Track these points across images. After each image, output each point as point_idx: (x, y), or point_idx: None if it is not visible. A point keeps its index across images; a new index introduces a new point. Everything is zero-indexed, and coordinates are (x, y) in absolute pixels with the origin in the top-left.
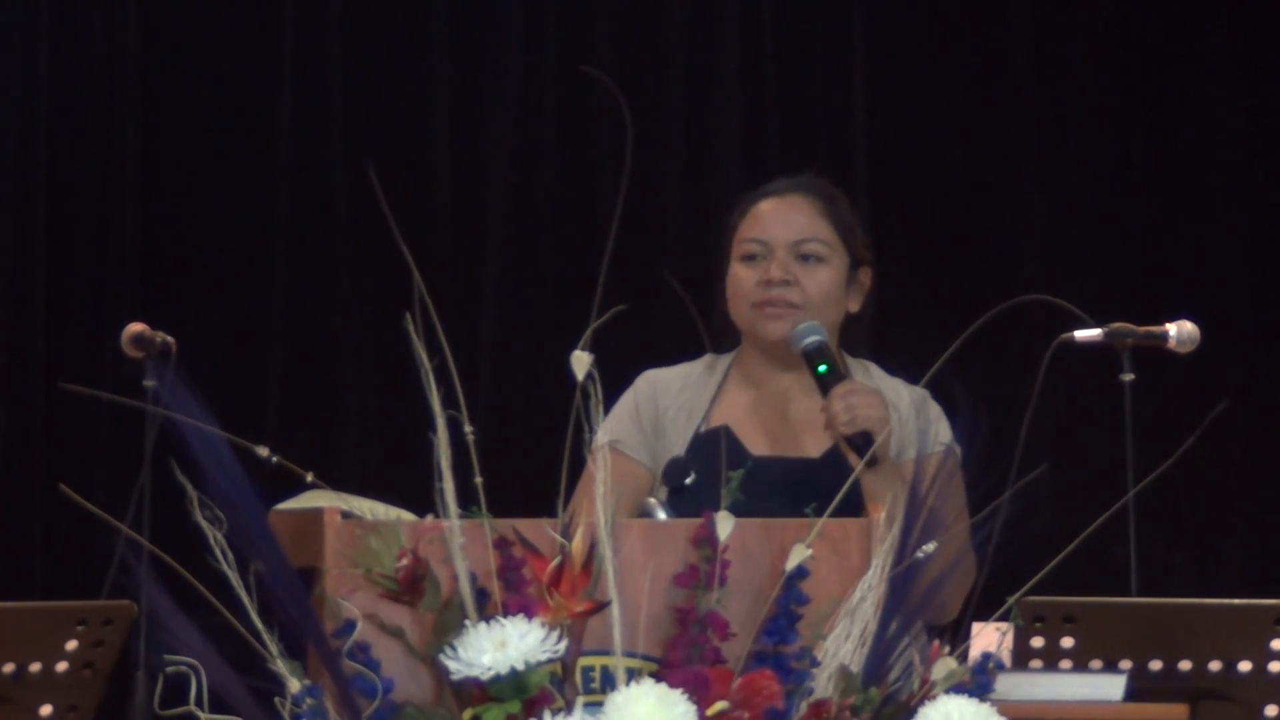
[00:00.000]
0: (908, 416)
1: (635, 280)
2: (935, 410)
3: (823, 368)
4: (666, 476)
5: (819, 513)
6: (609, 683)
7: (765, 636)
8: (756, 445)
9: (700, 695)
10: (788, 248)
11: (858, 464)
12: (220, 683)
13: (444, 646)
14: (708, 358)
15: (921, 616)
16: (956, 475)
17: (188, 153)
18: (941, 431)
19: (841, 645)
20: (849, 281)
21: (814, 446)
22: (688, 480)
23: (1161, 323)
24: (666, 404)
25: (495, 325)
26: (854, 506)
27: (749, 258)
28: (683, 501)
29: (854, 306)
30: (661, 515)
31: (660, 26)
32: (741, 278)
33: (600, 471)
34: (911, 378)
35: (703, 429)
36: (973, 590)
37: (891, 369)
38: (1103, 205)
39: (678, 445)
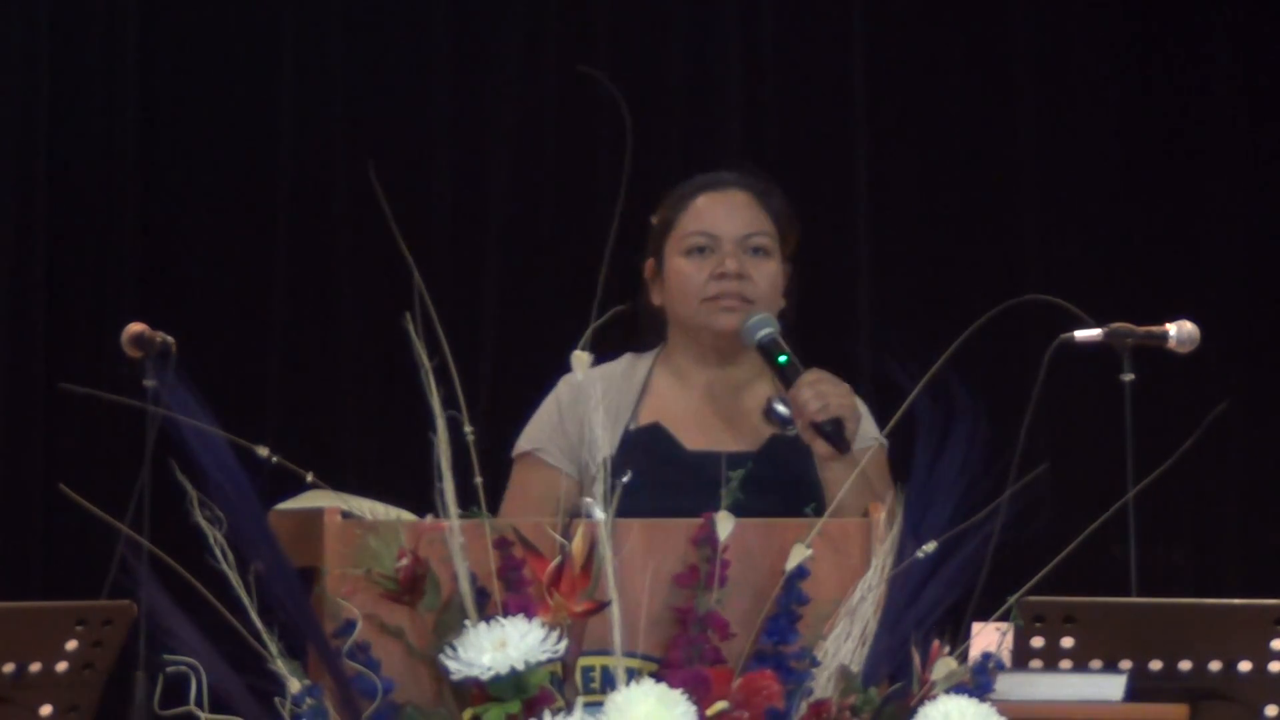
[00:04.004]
0: None
1: (635, 280)
2: (862, 405)
3: (783, 358)
4: None
5: (760, 504)
6: (609, 683)
7: (765, 636)
8: (691, 440)
9: (700, 695)
10: (736, 241)
11: (825, 451)
12: (220, 683)
13: (444, 646)
14: (628, 357)
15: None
16: (887, 467)
17: (188, 153)
18: (869, 427)
19: (841, 645)
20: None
21: (751, 440)
22: (624, 479)
23: (1161, 323)
24: (591, 406)
25: (495, 325)
26: (810, 495)
27: (695, 251)
28: (619, 501)
29: (783, 302)
30: (599, 514)
31: (660, 26)
32: (689, 272)
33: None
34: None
35: (632, 427)
36: (970, 590)
37: (864, 371)
38: (1103, 205)
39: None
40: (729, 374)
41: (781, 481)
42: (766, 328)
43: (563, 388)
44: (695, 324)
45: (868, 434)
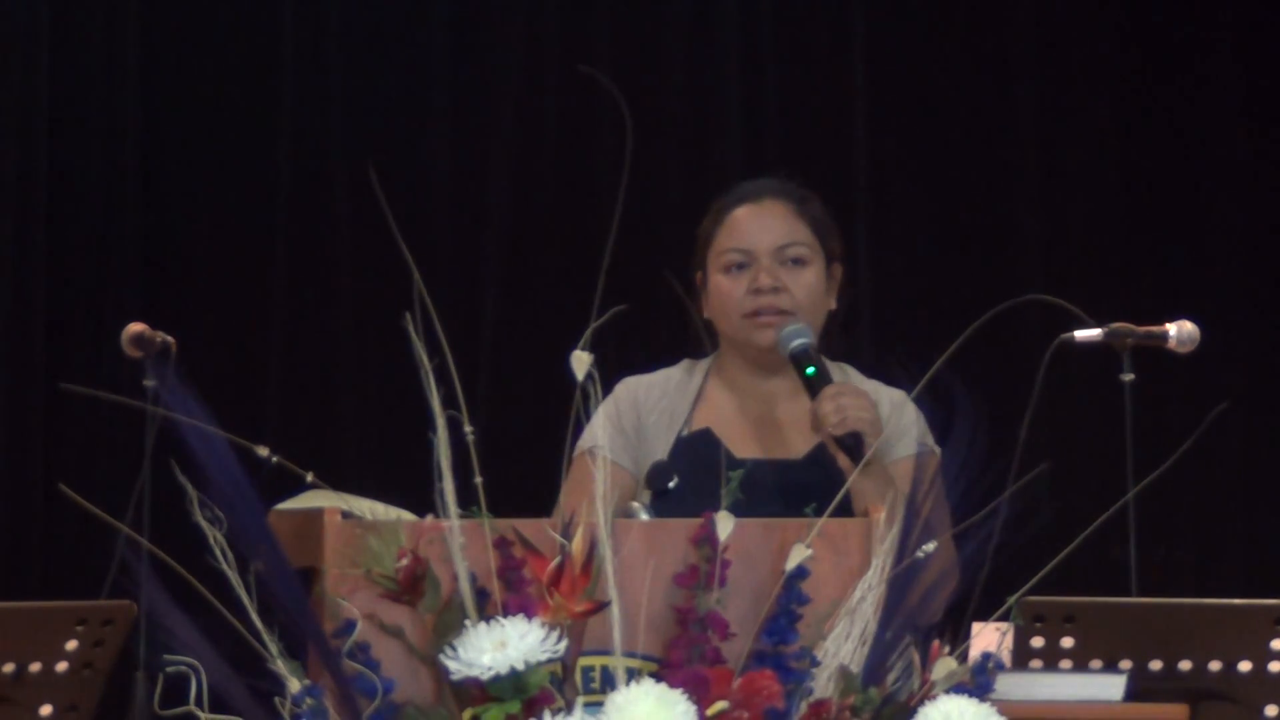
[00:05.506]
0: (887, 417)
1: (635, 280)
2: (914, 412)
3: (811, 370)
4: (650, 480)
5: (804, 512)
6: (609, 683)
7: (765, 636)
8: (740, 448)
9: (700, 695)
10: (771, 254)
11: (846, 464)
12: (220, 683)
13: (444, 646)
14: (685, 363)
15: (918, 618)
16: (936, 476)
17: (188, 153)
18: (920, 433)
19: (841, 645)
20: (828, 279)
21: (797, 448)
22: (671, 484)
23: (1161, 323)
24: (647, 409)
25: (495, 325)
26: (841, 506)
27: (734, 267)
28: (666, 505)
29: (832, 304)
30: (644, 518)
31: (660, 26)
32: (728, 288)
33: (599, 472)
34: (888, 379)
35: (685, 433)
36: (970, 590)
37: (868, 371)
38: (1103, 205)
39: (660, 450)
40: (777, 384)
41: (827, 488)
42: (799, 339)
43: (620, 390)
44: (737, 339)
45: (917, 443)
